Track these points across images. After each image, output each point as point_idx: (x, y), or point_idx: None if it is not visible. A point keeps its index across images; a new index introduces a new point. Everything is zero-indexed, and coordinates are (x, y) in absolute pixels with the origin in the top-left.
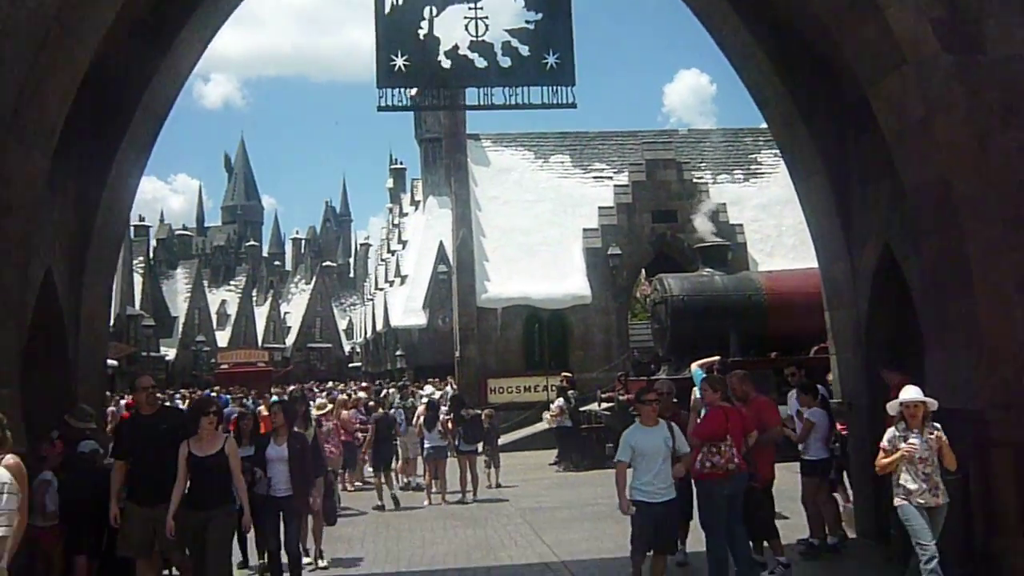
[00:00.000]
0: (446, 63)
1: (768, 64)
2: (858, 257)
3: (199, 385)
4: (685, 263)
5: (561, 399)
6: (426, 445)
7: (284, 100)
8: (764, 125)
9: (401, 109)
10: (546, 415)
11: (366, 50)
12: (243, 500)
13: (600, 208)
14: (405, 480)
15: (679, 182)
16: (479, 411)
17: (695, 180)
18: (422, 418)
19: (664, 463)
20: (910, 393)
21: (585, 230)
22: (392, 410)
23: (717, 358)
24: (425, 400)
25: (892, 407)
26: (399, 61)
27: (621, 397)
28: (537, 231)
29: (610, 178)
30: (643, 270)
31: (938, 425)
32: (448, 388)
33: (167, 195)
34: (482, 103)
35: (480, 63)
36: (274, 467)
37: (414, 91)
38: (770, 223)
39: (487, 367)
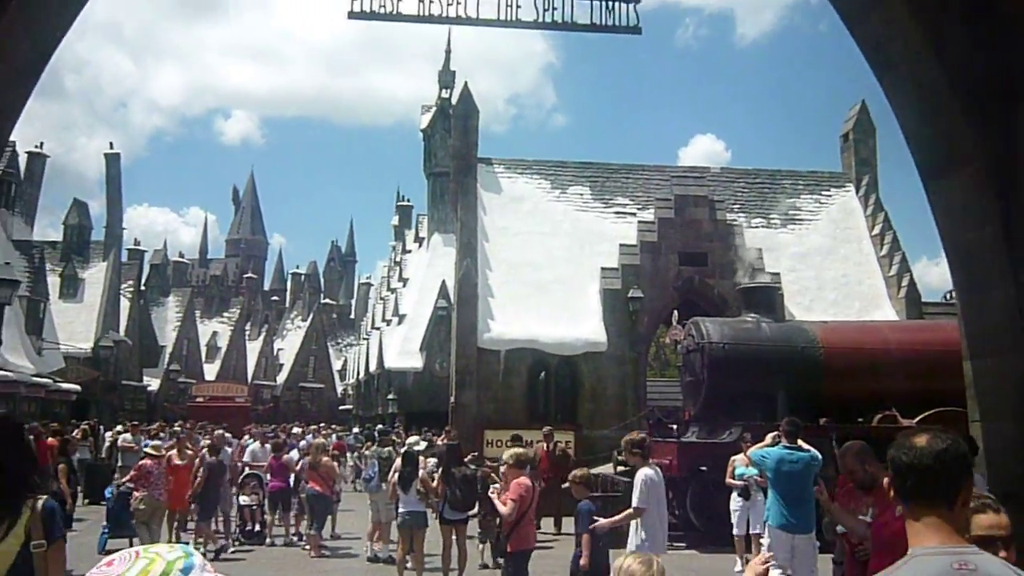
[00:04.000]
0: None
1: (904, 8)
2: None
3: (168, 418)
4: (714, 312)
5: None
6: (400, 509)
7: (302, 139)
8: (803, 169)
9: (379, 18)
10: None
11: (385, 94)
12: None
13: (621, 246)
14: (374, 550)
15: (711, 222)
16: (474, 469)
17: (728, 222)
18: (397, 474)
19: None
20: None
21: (603, 269)
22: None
23: (775, 433)
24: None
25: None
26: None
27: None
28: (550, 267)
29: (633, 214)
30: (675, 312)
31: None
32: (429, 437)
33: (179, 227)
34: (505, 17)
35: None
36: None
37: None
38: (809, 274)
39: (485, 416)
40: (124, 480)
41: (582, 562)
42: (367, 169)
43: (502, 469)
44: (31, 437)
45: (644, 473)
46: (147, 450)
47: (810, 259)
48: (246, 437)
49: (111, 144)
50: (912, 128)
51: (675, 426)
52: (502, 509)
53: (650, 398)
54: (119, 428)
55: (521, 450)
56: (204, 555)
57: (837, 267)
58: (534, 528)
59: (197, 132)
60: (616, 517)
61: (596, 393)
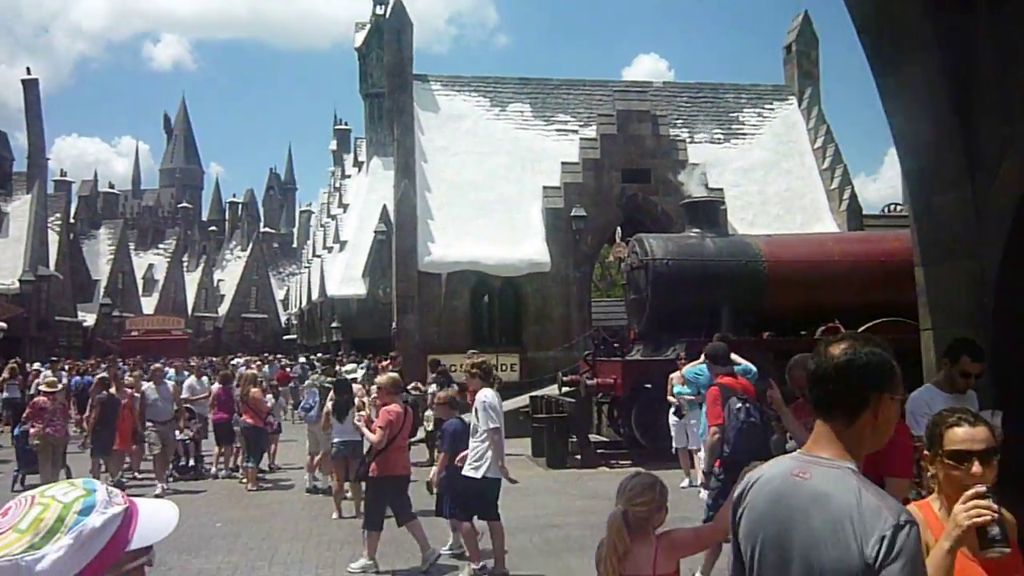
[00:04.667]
0: None
1: None
2: (984, 182)
3: (103, 354)
4: (658, 230)
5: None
6: (335, 439)
7: (235, 63)
8: (747, 83)
9: None
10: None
11: (322, 15)
12: None
13: (563, 164)
14: (313, 481)
15: (654, 137)
16: (415, 396)
17: (672, 137)
18: (331, 403)
19: None
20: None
21: (545, 188)
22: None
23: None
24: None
25: None
26: None
27: (589, 382)
28: (490, 187)
29: (575, 132)
30: (619, 228)
31: None
32: (373, 365)
33: (110, 157)
34: None
35: None
36: None
37: None
38: (752, 189)
39: (428, 341)
40: (24, 417)
41: (435, 477)
42: (305, 93)
43: (374, 393)
44: None
45: (485, 395)
46: (41, 387)
47: (753, 173)
48: (170, 371)
49: (28, 70)
50: (865, 18)
51: (617, 345)
52: (371, 436)
53: (595, 318)
54: (37, 366)
55: (395, 375)
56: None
57: (780, 181)
58: (405, 455)
59: (125, 58)
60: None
61: (541, 314)
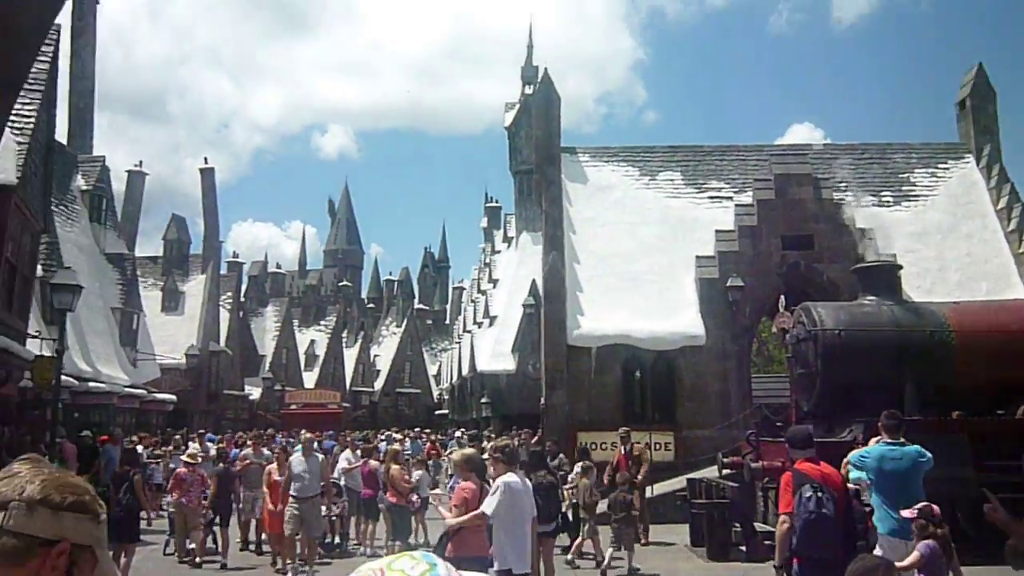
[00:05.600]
0: None
1: None
2: None
3: (263, 427)
4: (824, 299)
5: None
6: None
7: (395, 151)
8: (917, 142)
9: None
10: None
11: (475, 102)
12: None
13: (718, 232)
14: None
15: (816, 202)
16: (552, 477)
17: (835, 201)
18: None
19: None
20: None
21: (699, 258)
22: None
23: (878, 437)
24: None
25: None
26: None
27: (753, 465)
28: (641, 258)
29: (729, 199)
30: (782, 297)
31: None
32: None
33: (281, 241)
34: None
35: None
36: None
37: None
38: (928, 255)
39: (577, 417)
40: (168, 488)
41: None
42: (458, 174)
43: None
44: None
45: (504, 480)
46: (183, 458)
47: (929, 238)
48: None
49: (205, 159)
50: None
51: (781, 425)
52: (449, 519)
53: (754, 395)
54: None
55: (471, 451)
56: (200, 565)
57: (960, 245)
58: (481, 535)
59: (295, 148)
60: (463, 518)
61: (696, 391)
